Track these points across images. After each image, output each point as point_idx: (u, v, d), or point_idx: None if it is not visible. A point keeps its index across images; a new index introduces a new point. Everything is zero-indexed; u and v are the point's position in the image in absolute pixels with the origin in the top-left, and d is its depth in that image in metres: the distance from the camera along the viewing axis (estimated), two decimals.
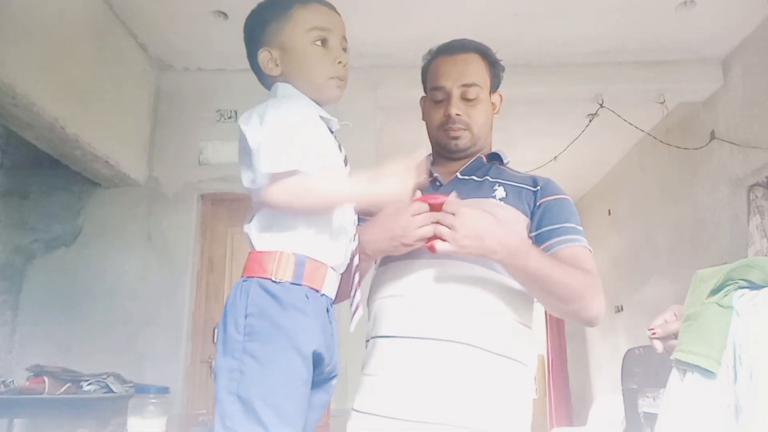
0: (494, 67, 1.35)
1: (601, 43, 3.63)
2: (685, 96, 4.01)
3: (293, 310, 0.92)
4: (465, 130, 1.30)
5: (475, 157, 1.32)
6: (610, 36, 3.56)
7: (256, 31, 1.08)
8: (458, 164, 1.32)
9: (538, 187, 1.26)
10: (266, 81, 1.09)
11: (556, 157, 4.68)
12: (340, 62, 1.06)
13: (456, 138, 1.30)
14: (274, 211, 0.97)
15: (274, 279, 0.93)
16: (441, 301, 1.13)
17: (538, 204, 1.24)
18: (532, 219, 1.23)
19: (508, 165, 1.35)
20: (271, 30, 1.06)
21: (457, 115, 1.29)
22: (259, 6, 1.10)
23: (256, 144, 0.93)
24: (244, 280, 0.95)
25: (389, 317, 1.17)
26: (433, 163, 1.37)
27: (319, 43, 1.05)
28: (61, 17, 2.93)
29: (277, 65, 1.05)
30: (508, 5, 3.24)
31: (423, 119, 1.41)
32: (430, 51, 1.39)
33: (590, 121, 4.16)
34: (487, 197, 1.22)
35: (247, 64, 1.09)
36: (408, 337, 1.12)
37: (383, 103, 3.70)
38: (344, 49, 1.08)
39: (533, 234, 1.22)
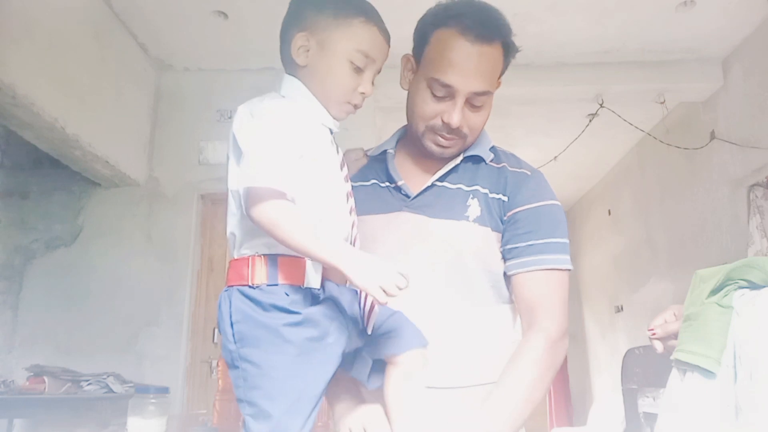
0: (509, 56, 1.14)
1: (601, 43, 3.63)
2: (685, 96, 4.01)
3: (274, 309, 0.92)
4: (460, 139, 1.12)
5: (454, 160, 1.15)
6: (610, 36, 3.56)
7: (308, 11, 1.01)
8: (433, 165, 1.15)
9: (506, 197, 1.12)
10: (284, 58, 1.04)
11: (556, 157, 4.68)
12: (362, 93, 1.02)
13: (446, 147, 1.12)
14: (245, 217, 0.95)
15: (250, 284, 0.93)
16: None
17: (506, 216, 1.11)
18: (503, 233, 1.12)
19: (492, 154, 1.18)
20: (323, 21, 1.00)
21: (458, 127, 1.09)
22: None
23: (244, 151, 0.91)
24: (225, 290, 0.95)
25: None
26: (398, 147, 1.21)
27: (356, 65, 1.00)
28: (61, 17, 2.93)
29: (306, 56, 1.01)
30: (508, 5, 3.21)
31: (402, 87, 1.16)
32: (446, 10, 1.10)
33: (590, 121, 4.16)
34: (459, 219, 1.10)
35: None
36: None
37: (383, 103, 3.69)
38: (373, 81, 1.04)
39: (501, 250, 1.11)
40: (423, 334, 1.00)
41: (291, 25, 1.03)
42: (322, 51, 1.00)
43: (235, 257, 0.97)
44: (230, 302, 0.93)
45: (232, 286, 0.95)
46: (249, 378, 0.90)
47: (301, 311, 0.93)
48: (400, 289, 0.86)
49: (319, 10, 1.01)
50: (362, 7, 1.03)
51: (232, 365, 0.93)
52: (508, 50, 1.12)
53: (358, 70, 1.01)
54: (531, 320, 1.08)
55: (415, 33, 1.14)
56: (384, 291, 0.85)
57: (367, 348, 1.02)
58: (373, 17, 1.03)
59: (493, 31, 1.08)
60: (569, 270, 1.12)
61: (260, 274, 0.93)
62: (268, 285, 0.93)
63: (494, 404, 1.01)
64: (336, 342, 0.95)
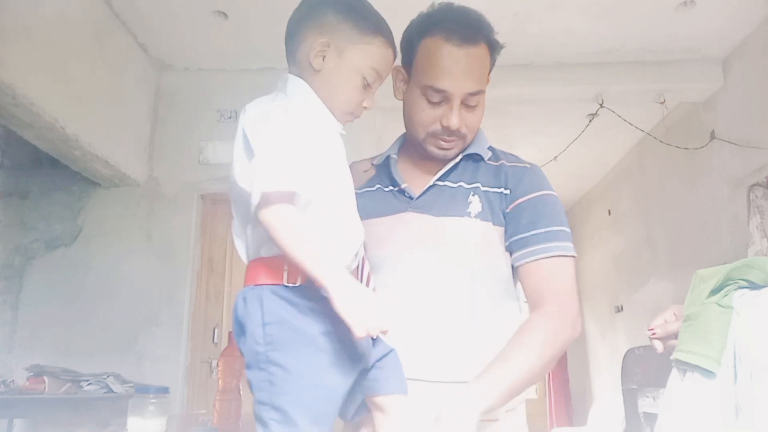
0: (494, 54, 1.17)
1: (601, 43, 3.63)
2: (685, 96, 4.01)
3: (311, 313, 0.90)
4: (460, 140, 1.16)
5: (453, 159, 1.18)
6: (610, 36, 3.56)
7: (330, 17, 1.00)
8: (434, 165, 1.19)
9: (508, 190, 1.15)
10: (294, 57, 1.03)
11: (556, 157, 4.69)
12: (365, 107, 1.04)
13: (448, 149, 1.16)
14: None
15: (286, 284, 0.90)
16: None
17: (508, 209, 1.14)
18: (505, 226, 1.14)
19: (490, 152, 1.21)
20: (345, 32, 1.00)
21: (457, 128, 1.13)
22: (359, 4, 1.03)
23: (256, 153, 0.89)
24: (252, 288, 0.92)
25: None
26: (400, 152, 1.25)
27: (367, 82, 1.02)
28: (61, 17, 2.93)
29: (321, 62, 1.00)
30: (508, 5, 3.24)
31: (396, 97, 1.21)
32: (428, 18, 1.14)
33: (590, 121, 4.16)
34: (461, 215, 1.12)
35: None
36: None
37: (383, 103, 3.69)
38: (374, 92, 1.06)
39: (506, 243, 1.14)
40: (406, 383, 1.00)
41: (308, 25, 1.01)
42: (339, 60, 1.00)
43: (263, 255, 0.93)
44: (262, 302, 0.90)
45: (260, 284, 0.91)
46: (276, 382, 0.87)
47: (339, 321, 0.90)
48: (382, 332, 0.85)
49: (343, 18, 1.00)
50: (382, 26, 1.03)
51: (255, 367, 0.89)
52: (493, 48, 1.16)
53: (367, 86, 1.02)
54: (536, 304, 1.10)
55: (401, 44, 1.16)
56: (367, 329, 0.83)
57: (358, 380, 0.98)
58: (389, 37, 1.04)
59: (475, 32, 1.12)
60: (574, 257, 1.14)
61: (297, 274, 0.90)
62: (304, 286, 0.91)
63: (487, 377, 1.00)
64: (361, 357, 0.94)
